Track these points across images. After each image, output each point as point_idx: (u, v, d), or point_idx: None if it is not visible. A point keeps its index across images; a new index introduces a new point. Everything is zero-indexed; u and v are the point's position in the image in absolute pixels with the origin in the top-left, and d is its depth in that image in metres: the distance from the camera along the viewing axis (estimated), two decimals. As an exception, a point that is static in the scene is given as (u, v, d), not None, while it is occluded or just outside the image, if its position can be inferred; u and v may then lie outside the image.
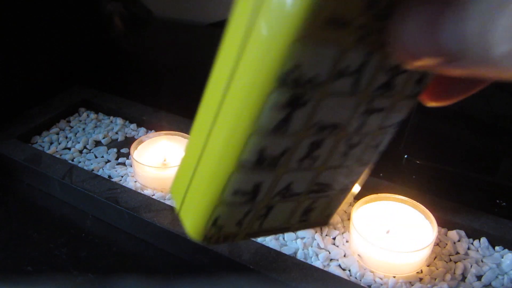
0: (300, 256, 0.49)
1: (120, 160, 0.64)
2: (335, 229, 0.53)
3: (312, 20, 0.14)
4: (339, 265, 0.49)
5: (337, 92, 0.16)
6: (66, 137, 0.69)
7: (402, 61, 0.15)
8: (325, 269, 0.47)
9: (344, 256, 0.50)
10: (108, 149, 0.66)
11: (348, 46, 0.15)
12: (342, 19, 0.14)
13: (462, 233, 0.52)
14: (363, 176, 0.22)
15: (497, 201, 0.58)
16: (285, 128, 0.16)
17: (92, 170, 0.62)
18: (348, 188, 0.22)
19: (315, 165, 0.19)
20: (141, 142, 0.62)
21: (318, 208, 0.22)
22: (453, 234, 0.52)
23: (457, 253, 0.51)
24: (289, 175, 0.19)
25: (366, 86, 0.17)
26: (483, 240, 0.51)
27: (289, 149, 0.17)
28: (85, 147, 0.67)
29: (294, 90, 0.15)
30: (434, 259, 0.50)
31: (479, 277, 0.48)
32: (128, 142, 0.67)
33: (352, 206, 0.51)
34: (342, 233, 0.52)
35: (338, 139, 0.18)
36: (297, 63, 0.15)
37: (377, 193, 0.53)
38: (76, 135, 0.69)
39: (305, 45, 0.14)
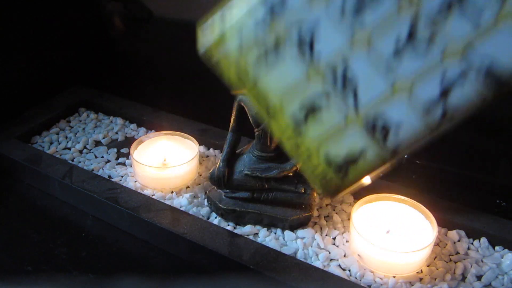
0: (300, 256, 0.49)
1: (120, 160, 0.64)
2: (335, 229, 0.53)
3: None
4: (339, 265, 0.49)
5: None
6: (66, 137, 0.69)
7: None
8: (325, 269, 0.47)
9: (344, 256, 0.50)
10: (108, 149, 0.66)
11: None
12: None
13: (462, 233, 0.52)
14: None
15: (497, 201, 0.58)
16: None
17: (92, 170, 0.62)
18: None
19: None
20: (141, 142, 0.62)
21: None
22: (453, 234, 0.52)
23: (457, 253, 0.51)
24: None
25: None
26: (483, 240, 0.51)
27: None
28: (85, 147, 0.67)
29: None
30: (434, 259, 0.50)
31: (479, 277, 0.48)
32: (128, 142, 0.67)
33: (352, 206, 0.51)
34: (342, 233, 0.52)
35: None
36: None
37: (377, 193, 0.53)
38: (76, 135, 0.69)
39: None
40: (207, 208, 0.55)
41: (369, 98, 0.18)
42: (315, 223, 0.53)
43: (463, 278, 0.48)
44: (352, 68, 0.17)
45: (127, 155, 0.65)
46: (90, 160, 0.64)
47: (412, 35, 0.16)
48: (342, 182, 0.19)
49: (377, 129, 0.18)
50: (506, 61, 0.15)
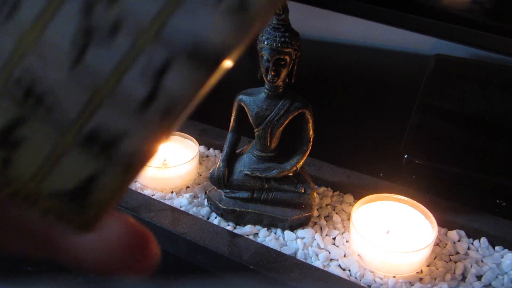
0: (300, 256, 0.49)
1: (120, 160, 0.64)
2: (335, 229, 0.53)
3: None
4: (339, 265, 0.49)
5: None
6: (66, 137, 0.69)
7: None
8: (325, 269, 0.47)
9: (344, 256, 0.50)
10: (108, 149, 0.66)
11: None
12: None
13: (462, 233, 0.52)
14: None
15: (497, 201, 0.58)
16: None
17: (92, 170, 0.62)
18: (109, 147, 0.13)
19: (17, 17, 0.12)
20: (141, 142, 0.62)
21: (34, 151, 0.13)
22: (453, 234, 0.52)
23: (457, 253, 0.51)
24: None
25: None
26: (483, 240, 0.51)
27: None
28: (85, 147, 0.67)
29: None
30: (434, 259, 0.50)
31: (479, 277, 0.48)
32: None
33: (352, 206, 0.51)
34: (342, 233, 0.52)
35: None
36: None
37: (377, 193, 0.53)
38: None
39: None
40: (207, 208, 0.55)
41: (75, 114, 0.12)
42: (315, 223, 0.53)
43: (463, 278, 0.48)
44: (40, 80, 0.12)
45: (127, 155, 0.65)
46: (90, 160, 0.64)
47: (88, 25, 0.11)
48: (87, 214, 0.13)
49: (98, 147, 0.12)
50: (208, 36, 0.12)
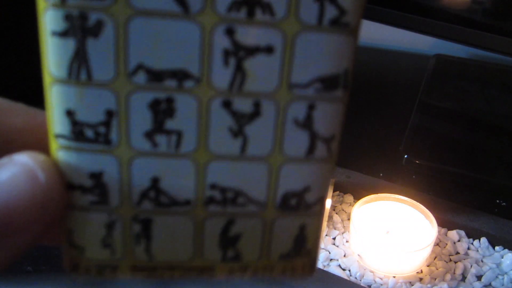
0: (300, 256, 0.49)
1: (120, 160, 0.64)
2: (335, 229, 0.53)
3: None
4: (339, 265, 0.49)
5: (151, 9, 0.12)
6: (66, 137, 0.69)
7: None
8: (325, 269, 0.47)
9: (344, 256, 0.50)
10: (108, 149, 0.66)
11: None
12: None
13: (462, 233, 0.52)
14: (323, 185, 0.14)
15: (497, 201, 0.58)
16: (87, 72, 0.12)
17: (92, 170, 0.62)
18: (301, 205, 0.14)
19: (184, 147, 0.13)
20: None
21: (251, 239, 0.15)
22: (453, 234, 0.52)
23: (457, 253, 0.51)
24: (146, 163, 0.13)
25: (204, 1, 0.12)
26: (483, 240, 0.51)
27: (114, 111, 0.13)
28: (85, 147, 0.67)
29: (65, 4, 0.12)
30: (434, 259, 0.50)
31: (479, 277, 0.48)
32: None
33: (352, 206, 0.51)
34: (342, 233, 0.52)
35: (202, 100, 0.13)
36: None
37: (377, 193, 0.53)
38: None
39: None
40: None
41: (264, 196, 0.14)
42: (315, 223, 0.53)
43: (463, 278, 0.48)
44: (224, 186, 0.14)
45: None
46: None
47: (234, 113, 0.13)
48: (310, 260, 0.15)
49: (293, 206, 0.15)
50: (327, 64, 0.13)
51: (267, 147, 0.14)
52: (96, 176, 0.13)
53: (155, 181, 0.14)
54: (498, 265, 0.49)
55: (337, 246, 0.51)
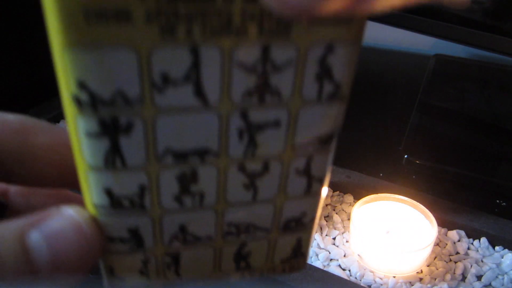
0: (300, 256, 0.49)
1: (120, 160, 0.64)
2: (335, 229, 0.53)
3: (68, 17, 0.11)
4: (339, 265, 0.49)
5: (174, 107, 0.13)
6: (66, 137, 0.69)
7: (295, 18, 0.10)
8: (325, 269, 0.47)
9: (344, 256, 0.50)
10: (108, 149, 0.66)
11: (151, 43, 0.12)
12: (114, 8, 0.11)
13: (462, 233, 0.52)
14: (315, 208, 0.18)
15: (497, 201, 0.58)
16: (121, 161, 0.14)
17: (92, 170, 0.62)
18: (298, 225, 0.18)
19: (206, 203, 0.16)
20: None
21: (259, 253, 0.18)
22: (453, 234, 0.52)
23: (457, 253, 0.51)
24: (174, 217, 0.16)
25: (221, 93, 0.13)
26: (483, 240, 0.51)
27: (146, 186, 0.15)
28: (85, 147, 0.67)
29: (98, 112, 0.13)
30: (434, 259, 0.50)
31: (479, 277, 0.48)
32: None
33: (352, 206, 0.51)
34: (342, 233, 0.52)
35: (221, 168, 0.15)
36: (81, 78, 0.12)
37: (377, 193, 0.53)
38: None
39: (77, 53, 0.12)
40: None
41: (270, 223, 0.18)
42: (315, 223, 0.53)
43: (463, 278, 0.48)
44: (240, 222, 0.18)
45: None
46: (90, 160, 0.64)
47: (248, 173, 0.16)
48: (302, 260, 0.20)
49: (293, 227, 0.18)
50: (324, 126, 0.16)
51: (273, 193, 0.16)
52: (133, 230, 0.16)
53: (182, 228, 0.16)
54: (498, 265, 0.49)
55: (337, 246, 0.51)
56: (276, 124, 0.14)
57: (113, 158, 0.14)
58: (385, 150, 0.65)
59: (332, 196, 0.57)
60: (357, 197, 0.56)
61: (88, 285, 0.17)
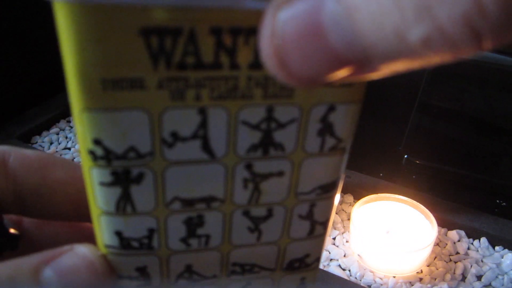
0: (300, 256, 0.49)
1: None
2: (335, 229, 0.53)
3: (87, 85, 0.12)
4: (339, 265, 0.49)
5: (183, 160, 0.14)
6: (66, 137, 0.69)
7: (296, 87, 0.12)
8: (325, 269, 0.47)
9: (344, 256, 0.50)
10: (108, 149, 0.66)
11: (162, 106, 0.13)
12: (129, 77, 0.12)
13: (462, 233, 0.52)
14: (317, 248, 0.18)
15: (497, 201, 0.58)
16: (132, 207, 0.15)
17: (92, 170, 0.62)
18: (302, 265, 0.18)
19: (212, 245, 0.16)
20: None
21: None
22: (453, 234, 0.52)
23: (457, 253, 0.51)
24: (181, 257, 0.16)
25: (227, 148, 0.14)
26: (483, 240, 0.51)
27: (155, 229, 0.15)
28: (85, 147, 0.67)
29: (111, 165, 0.14)
30: (434, 259, 0.50)
31: (479, 277, 0.48)
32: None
33: (352, 206, 0.51)
34: (342, 233, 0.52)
35: (226, 213, 0.16)
36: (96, 136, 0.13)
37: (377, 193, 0.53)
38: (77, 135, 0.69)
39: (94, 115, 0.13)
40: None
41: (274, 263, 0.18)
42: (315, 223, 0.53)
43: (463, 278, 0.48)
44: (244, 262, 0.18)
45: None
46: (90, 160, 0.64)
47: (253, 220, 0.17)
48: None
49: (297, 267, 0.18)
50: (326, 177, 0.16)
51: (277, 235, 0.17)
52: (141, 269, 0.16)
53: (188, 267, 0.17)
54: (498, 265, 0.49)
55: (337, 246, 0.51)
56: (280, 174, 0.15)
57: (124, 205, 0.15)
58: (385, 150, 0.65)
59: (332, 196, 0.57)
60: (357, 197, 0.56)
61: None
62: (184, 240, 0.16)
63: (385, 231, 0.49)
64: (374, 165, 0.61)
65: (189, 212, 0.15)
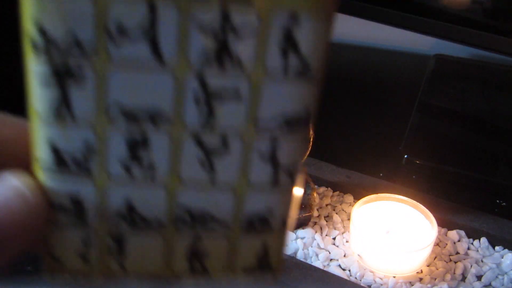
0: (300, 256, 0.49)
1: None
2: (335, 229, 0.53)
3: None
4: (339, 265, 0.49)
5: (129, 62, 0.13)
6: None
7: None
8: (325, 269, 0.47)
9: (344, 256, 0.50)
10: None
11: None
12: None
13: (462, 233, 0.52)
14: (287, 209, 0.16)
15: (497, 201, 0.58)
16: (70, 112, 0.14)
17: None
18: (264, 226, 0.16)
19: (157, 175, 0.15)
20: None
21: (217, 254, 0.16)
22: (453, 234, 0.52)
23: (457, 253, 0.51)
24: (120, 188, 0.15)
25: (178, 52, 0.13)
26: (483, 240, 0.51)
27: (92, 145, 0.14)
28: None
29: (51, 58, 0.13)
30: (434, 259, 0.50)
31: (479, 277, 0.48)
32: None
33: (352, 206, 0.51)
34: (342, 233, 0.52)
35: (175, 137, 0.14)
36: (38, 19, 0.13)
37: (377, 193, 0.53)
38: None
39: None
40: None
41: (230, 216, 0.16)
42: (315, 223, 0.53)
43: (463, 278, 0.48)
44: (196, 207, 0.16)
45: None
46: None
47: (206, 150, 0.15)
48: (274, 268, 0.17)
49: (257, 227, 0.16)
50: (292, 107, 0.15)
51: (234, 176, 0.15)
52: (75, 198, 0.15)
53: (129, 204, 0.15)
54: (498, 265, 0.49)
55: (337, 246, 0.51)
56: (236, 94, 0.14)
57: (61, 108, 0.14)
58: (385, 150, 0.65)
59: (332, 196, 0.57)
60: (357, 197, 0.56)
61: (88, 285, 0.17)
62: (125, 165, 0.14)
63: (385, 231, 0.49)
64: (374, 165, 0.61)
65: (133, 130, 0.14)
